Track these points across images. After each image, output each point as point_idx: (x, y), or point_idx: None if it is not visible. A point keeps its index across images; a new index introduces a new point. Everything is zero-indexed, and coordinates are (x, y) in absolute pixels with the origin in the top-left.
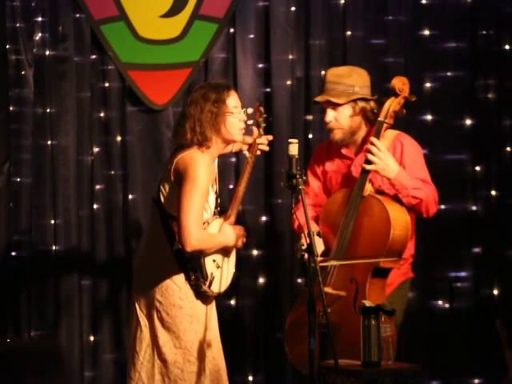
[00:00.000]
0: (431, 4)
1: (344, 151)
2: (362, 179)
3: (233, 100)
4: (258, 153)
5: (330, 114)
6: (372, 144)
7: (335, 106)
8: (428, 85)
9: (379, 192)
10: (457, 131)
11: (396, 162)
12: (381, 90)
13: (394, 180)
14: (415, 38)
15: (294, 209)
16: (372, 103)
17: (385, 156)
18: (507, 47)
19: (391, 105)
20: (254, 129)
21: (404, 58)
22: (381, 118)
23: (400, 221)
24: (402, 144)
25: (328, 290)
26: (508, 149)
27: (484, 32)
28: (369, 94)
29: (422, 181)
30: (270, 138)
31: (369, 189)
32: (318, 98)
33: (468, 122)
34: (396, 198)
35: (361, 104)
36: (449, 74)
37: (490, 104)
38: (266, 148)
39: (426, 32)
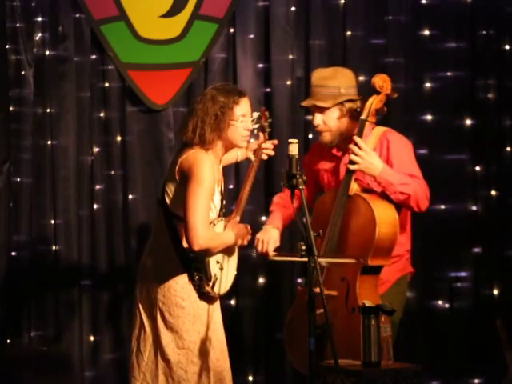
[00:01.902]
0: (431, 4)
1: (332, 150)
2: (348, 179)
3: (242, 108)
4: (265, 157)
5: (318, 118)
6: (355, 143)
7: (322, 109)
8: (428, 85)
9: (367, 190)
10: (457, 131)
11: (380, 159)
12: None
13: (379, 177)
14: (415, 37)
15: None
16: (358, 103)
17: (367, 154)
18: (507, 47)
19: (373, 103)
20: (260, 133)
21: (404, 58)
22: (363, 117)
23: (387, 219)
24: (388, 141)
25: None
26: (508, 149)
27: (484, 32)
28: (355, 93)
29: (410, 176)
30: (276, 142)
31: (354, 188)
32: (305, 103)
33: (468, 121)
34: (384, 196)
35: (348, 105)
36: (449, 74)
37: (490, 104)
38: (272, 153)
39: (426, 32)
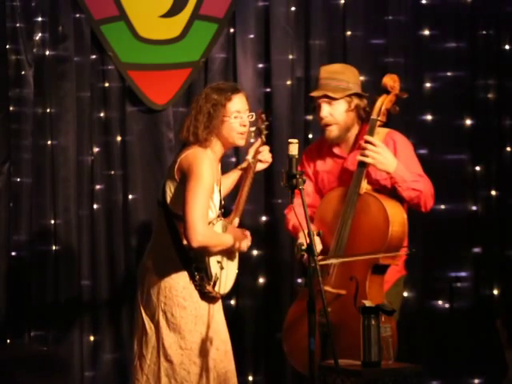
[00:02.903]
0: (431, 4)
1: (336, 150)
2: (358, 177)
3: (235, 104)
4: (263, 166)
5: (326, 109)
6: (367, 142)
7: (331, 100)
8: (428, 85)
9: (375, 190)
10: (457, 131)
11: (393, 156)
12: (380, 90)
13: (395, 174)
14: (415, 37)
15: (286, 210)
16: (364, 101)
17: (383, 150)
18: (507, 47)
19: (383, 102)
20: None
21: (404, 58)
22: (374, 116)
23: (397, 217)
24: (394, 141)
25: (328, 288)
26: (508, 149)
27: (484, 32)
28: (360, 91)
29: (418, 175)
30: (267, 148)
31: (365, 187)
32: (315, 93)
33: (468, 121)
34: (391, 195)
35: (355, 100)
36: (449, 74)
37: (490, 104)
38: (269, 159)
39: (426, 32)
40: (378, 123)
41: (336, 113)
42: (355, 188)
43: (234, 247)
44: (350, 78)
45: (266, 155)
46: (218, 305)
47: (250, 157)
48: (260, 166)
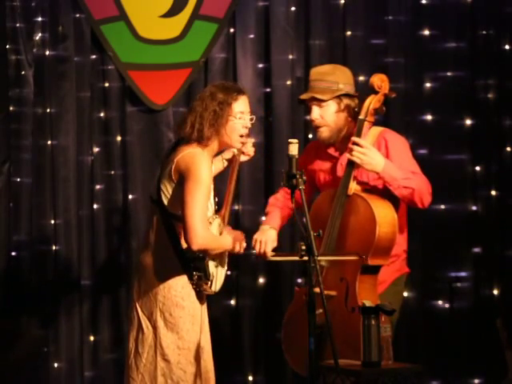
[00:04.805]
0: (431, 4)
1: (330, 151)
2: (346, 178)
3: (240, 105)
4: (245, 159)
5: (316, 112)
6: (354, 143)
7: (320, 102)
8: (428, 85)
9: (366, 190)
10: (457, 131)
11: (381, 155)
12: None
13: (383, 173)
14: (415, 37)
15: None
16: (356, 101)
17: (369, 151)
18: (507, 47)
19: (371, 102)
20: None
21: (404, 58)
22: (361, 117)
23: (386, 218)
24: (385, 140)
25: (319, 290)
26: (508, 149)
27: (484, 32)
28: (352, 91)
29: (411, 172)
30: (252, 140)
31: (353, 188)
32: (303, 96)
33: (468, 121)
34: (383, 195)
35: (346, 101)
36: (449, 74)
37: (490, 104)
38: (252, 153)
39: (426, 32)
40: (366, 123)
41: (326, 114)
42: (343, 189)
43: (233, 250)
44: (340, 79)
45: (248, 147)
46: (205, 305)
47: (234, 149)
48: (242, 158)
